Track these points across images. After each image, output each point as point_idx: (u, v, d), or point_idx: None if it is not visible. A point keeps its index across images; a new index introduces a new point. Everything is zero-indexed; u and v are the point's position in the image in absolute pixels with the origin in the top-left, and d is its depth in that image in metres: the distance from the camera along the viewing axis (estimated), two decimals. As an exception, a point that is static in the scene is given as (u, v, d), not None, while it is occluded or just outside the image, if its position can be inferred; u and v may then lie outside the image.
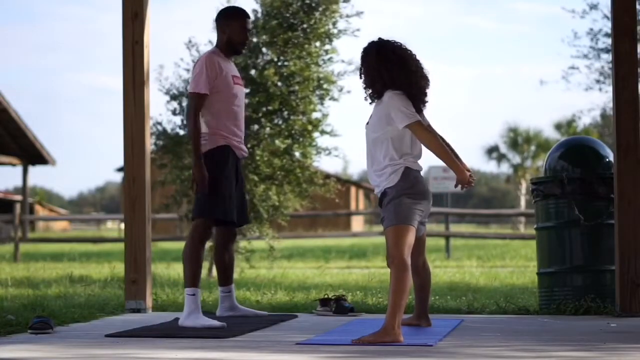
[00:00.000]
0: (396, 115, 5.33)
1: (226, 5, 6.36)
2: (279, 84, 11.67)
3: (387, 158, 5.36)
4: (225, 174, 6.10)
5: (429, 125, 5.56)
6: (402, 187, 5.30)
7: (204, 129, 6.12)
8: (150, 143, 7.37)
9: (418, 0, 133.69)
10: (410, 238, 5.25)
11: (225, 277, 6.49)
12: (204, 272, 12.64)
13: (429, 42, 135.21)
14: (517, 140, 50.84)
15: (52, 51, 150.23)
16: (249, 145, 11.84)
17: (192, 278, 6.02)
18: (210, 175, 6.04)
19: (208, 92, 6.11)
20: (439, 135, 5.50)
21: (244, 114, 6.41)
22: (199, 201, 6.09)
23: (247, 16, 6.38)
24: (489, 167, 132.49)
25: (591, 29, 17.94)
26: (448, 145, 5.54)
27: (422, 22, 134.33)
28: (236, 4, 12.00)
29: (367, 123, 5.53)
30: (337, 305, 6.76)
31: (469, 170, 5.47)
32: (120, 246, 20.24)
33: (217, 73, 6.18)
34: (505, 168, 53.29)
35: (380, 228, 34.61)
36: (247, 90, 11.65)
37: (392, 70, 5.39)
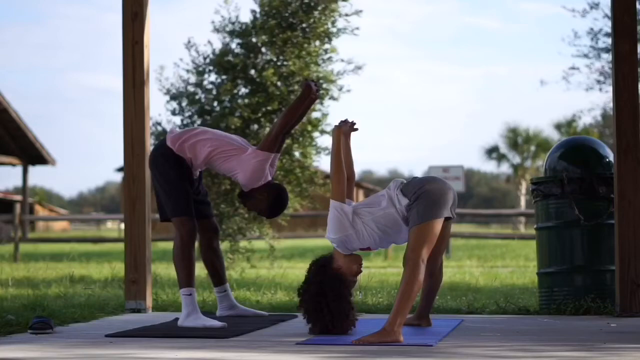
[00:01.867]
0: (332, 227, 5.38)
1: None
2: (279, 84, 11.66)
3: (379, 208, 5.37)
4: (185, 176, 6.02)
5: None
6: (412, 190, 5.29)
7: (185, 145, 6.01)
8: (150, 143, 7.37)
9: (421, 0, 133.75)
10: (434, 233, 5.20)
11: (218, 277, 6.45)
12: (203, 272, 12.64)
13: (431, 42, 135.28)
14: (517, 140, 50.87)
15: (52, 51, 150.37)
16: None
17: (186, 278, 6.00)
18: (173, 174, 5.98)
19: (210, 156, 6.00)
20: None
21: None
22: (168, 202, 6.00)
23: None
24: (489, 167, 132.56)
25: (591, 29, 17.95)
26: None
27: (424, 22, 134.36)
28: (234, 5, 12.04)
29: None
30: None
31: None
32: (120, 246, 20.24)
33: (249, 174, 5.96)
34: (505, 168, 53.35)
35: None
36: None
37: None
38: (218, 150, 5.99)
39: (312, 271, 5.51)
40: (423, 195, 5.24)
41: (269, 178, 6.06)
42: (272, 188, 6.06)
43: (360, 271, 5.49)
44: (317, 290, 5.38)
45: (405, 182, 5.44)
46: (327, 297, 5.35)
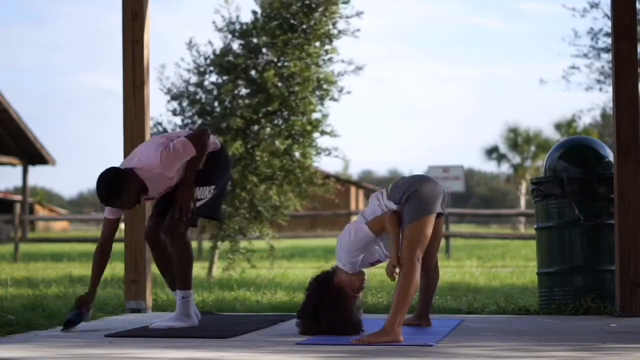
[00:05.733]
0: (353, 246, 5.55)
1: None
2: (279, 84, 11.67)
3: (373, 220, 5.41)
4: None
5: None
6: (401, 191, 5.30)
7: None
8: (150, 143, 7.36)
9: (423, 0, 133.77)
10: (427, 230, 5.20)
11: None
12: (203, 272, 12.66)
13: (433, 42, 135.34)
14: (517, 140, 50.91)
15: (52, 51, 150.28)
16: (249, 145, 11.84)
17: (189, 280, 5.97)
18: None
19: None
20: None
21: None
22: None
23: None
24: (489, 167, 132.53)
25: (591, 28, 17.95)
26: None
27: (426, 22, 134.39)
28: (235, 5, 12.04)
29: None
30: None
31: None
32: (120, 246, 20.20)
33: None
34: (505, 168, 53.42)
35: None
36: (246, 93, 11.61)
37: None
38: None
39: (311, 288, 5.50)
40: (412, 194, 5.26)
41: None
42: None
43: (363, 287, 5.51)
44: (316, 304, 5.39)
45: (387, 189, 5.45)
46: (325, 308, 5.36)
